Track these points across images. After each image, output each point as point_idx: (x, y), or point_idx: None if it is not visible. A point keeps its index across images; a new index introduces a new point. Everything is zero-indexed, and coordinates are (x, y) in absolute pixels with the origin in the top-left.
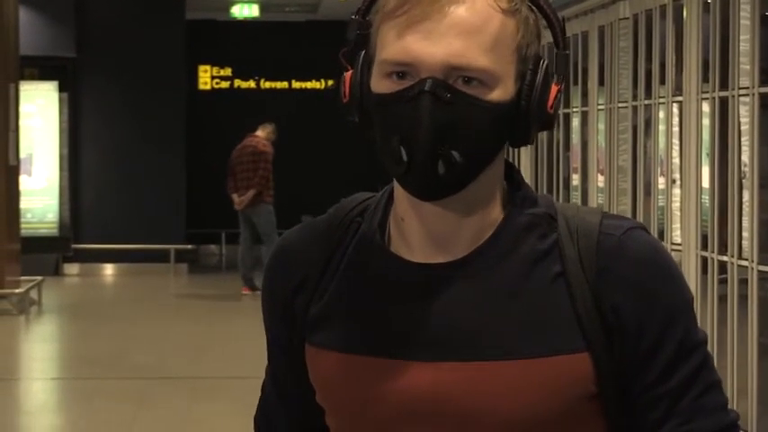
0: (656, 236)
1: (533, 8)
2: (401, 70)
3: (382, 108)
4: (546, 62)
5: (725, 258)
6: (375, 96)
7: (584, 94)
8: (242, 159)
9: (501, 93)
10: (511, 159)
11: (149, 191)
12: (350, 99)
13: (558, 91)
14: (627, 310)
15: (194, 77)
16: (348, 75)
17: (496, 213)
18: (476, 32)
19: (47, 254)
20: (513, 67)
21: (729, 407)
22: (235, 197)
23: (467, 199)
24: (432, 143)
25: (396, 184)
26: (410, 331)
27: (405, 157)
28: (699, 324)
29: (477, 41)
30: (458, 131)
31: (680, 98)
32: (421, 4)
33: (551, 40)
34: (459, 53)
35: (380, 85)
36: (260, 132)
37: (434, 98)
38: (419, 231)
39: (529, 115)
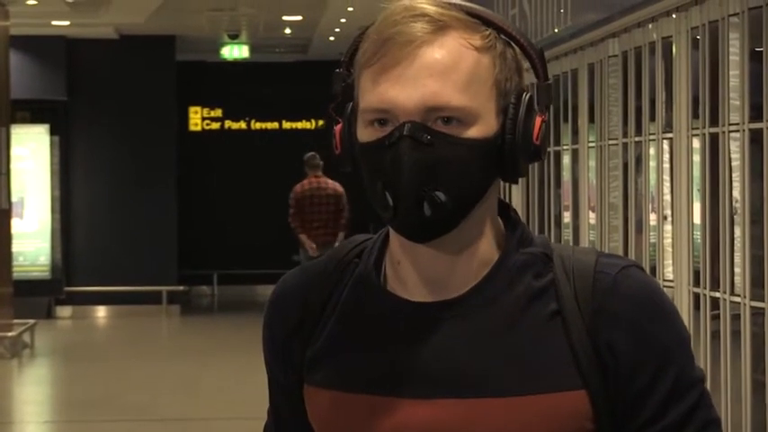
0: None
1: (511, 43)
2: (381, 117)
3: (367, 156)
4: (528, 94)
5: (717, 294)
6: (360, 145)
7: (575, 132)
8: (318, 200)
9: (482, 129)
10: (502, 197)
11: (141, 233)
12: (341, 151)
13: (543, 122)
14: (622, 349)
15: (185, 119)
16: (338, 128)
17: (491, 252)
18: (449, 72)
19: (39, 297)
20: (493, 103)
21: None
22: (303, 238)
23: (460, 238)
24: (415, 186)
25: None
26: (407, 369)
27: (391, 203)
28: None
29: (451, 81)
30: (440, 172)
31: (670, 135)
32: (393, 50)
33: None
34: (433, 94)
35: (364, 133)
36: (320, 171)
37: (414, 142)
38: (414, 274)
39: (515, 149)
